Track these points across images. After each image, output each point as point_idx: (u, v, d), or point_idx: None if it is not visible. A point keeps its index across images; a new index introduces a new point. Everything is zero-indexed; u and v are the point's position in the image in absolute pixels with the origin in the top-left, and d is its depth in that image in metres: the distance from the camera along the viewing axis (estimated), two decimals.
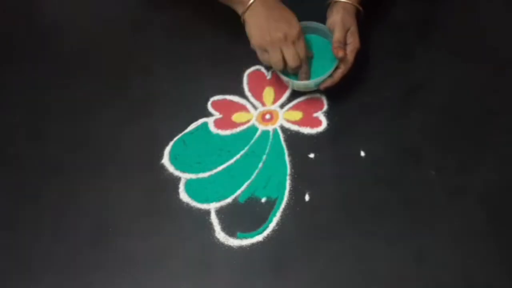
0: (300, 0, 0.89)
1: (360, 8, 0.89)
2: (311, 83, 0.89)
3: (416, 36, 0.99)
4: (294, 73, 0.89)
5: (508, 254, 0.79)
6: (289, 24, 0.83)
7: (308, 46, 0.88)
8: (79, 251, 0.83)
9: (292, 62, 0.85)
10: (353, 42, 0.87)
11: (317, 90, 0.92)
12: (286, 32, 0.82)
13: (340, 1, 0.88)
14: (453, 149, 0.87)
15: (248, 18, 0.85)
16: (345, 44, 0.87)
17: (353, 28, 0.88)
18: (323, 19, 0.91)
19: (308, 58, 0.90)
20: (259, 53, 0.87)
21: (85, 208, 0.87)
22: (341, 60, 0.87)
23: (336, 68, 0.88)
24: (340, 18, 0.87)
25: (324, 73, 0.88)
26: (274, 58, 0.85)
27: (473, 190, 0.83)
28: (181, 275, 0.81)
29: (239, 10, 0.87)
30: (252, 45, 0.86)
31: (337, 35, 0.87)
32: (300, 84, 0.90)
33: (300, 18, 0.87)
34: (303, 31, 0.90)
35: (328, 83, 0.89)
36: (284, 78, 0.90)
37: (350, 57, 0.87)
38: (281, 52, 0.84)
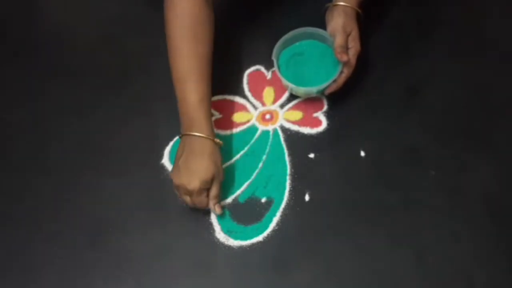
0: (298, 4, 0.89)
1: (360, 11, 0.89)
2: (313, 90, 0.89)
3: (416, 36, 0.99)
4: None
5: (508, 254, 0.79)
6: (188, 178, 0.79)
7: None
8: (79, 250, 0.83)
9: (190, 206, 0.82)
10: (354, 46, 0.87)
11: None
12: (182, 184, 0.79)
13: (340, 5, 0.88)
14: (453, 149, 0.87)
15: (179, 143, 0.83)
16: (346, 48, 0.87)
17: (354, 32, 0.87)
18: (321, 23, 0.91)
19: (311, 64, 0.90)
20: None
21: (85, 207, 0.87)
22: (345, 64, 0.87)
23: (339, 72, 0.88)
24: (341, 23, 0.87)
25: (328, 78, 0.88)
26: (177, 196, 0.83)
27: (473, 190, 0.83)
28: (181, 275, 0.81)
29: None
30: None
31: (339, 40, 0.86)
32: (300, 90, 0.90)
33: (301, 21, 0.87)
34: (301, 37, 0.90)
35: (333, 88, 0.89)
36: (285, 82, 0.90)
37: (353, 60, 0.87)
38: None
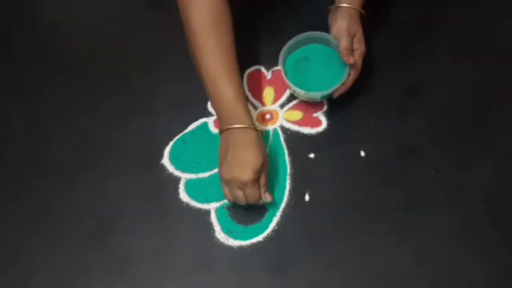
0: (298, 5, 0.88)
1: (364, 12, 0.89)
2: (317, 96, 0.89)
3: (416, 36, 0.99)
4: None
5: (508, 253, 0.79)
6: (240, 171, 0.78)
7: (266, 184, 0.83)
8: (79, 250, 0.83)
9: (242, 201, 0.81)
10: (360, 47, 0.87)
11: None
12: (235, 177, 0.78)
13: (343, 6, 0.88)
14: (453, 149, 0.87)
15: (221, 140, 0.82)
16: (352, 50, 0.87)
17: (359, 34, 0.87)
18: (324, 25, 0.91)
19: (317, 68, 0.91)
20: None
21: (84, 207, 0.87)
22: (351, 66, 0.87)
23: (347, 75, 0.88)
24: (345, 25, 0.86)
25: (335, 81, 0.87)
26: (226, 192, 0.81)
27: (473, 190, 0.83)
28: (181, 275, 0.81)
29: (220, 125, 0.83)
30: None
31: (344, 42, 0.86)
32: (302, 93, 0.89)
33: (301, 21, 0.86)
34: (305, 42, 0.90)
35: (342, 90, 0.89)
36: (291, 86, 0.90)
37: (359, 62, 0.87)
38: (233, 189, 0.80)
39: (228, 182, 0.80)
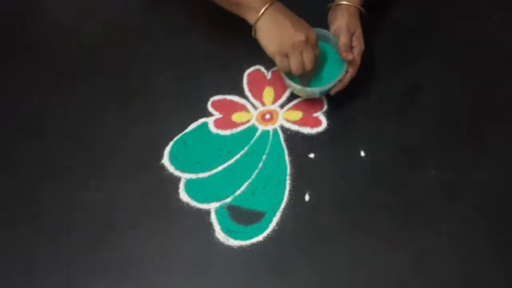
0: (298, 4, 0.88)
1: (363, 10, 0.89)
2: (316, 92, 0.89)
3: (416, 36, 0.99)
4: (298, 76, 0.88)
5: (507, 254, 0.79)
6: (308, 29, 0.83)
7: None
8: (79, 251, 0.83)
9: (309, 65, 0.84)
10: (359, 45, 0.87)
11: None
12: (307, 35, 0.82)
13: (343, 4, 0.88)
14: (453, 149, 0.87)
15: (263, 25, 0.83)
16: (351, 47, 0.87)
17: (358, 32, 0.88)
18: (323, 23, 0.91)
19: (315, 68, 0.90)
20: (278, 60, 0.84)
21: (85, 208, 0.87)
22: (350, 63, 0.87)
23: (345, 72, 0.88)
24: (345, 23, 0.87)
25: (334, 78, 0.88)
26: (296, 62, 0.83)
27: (473, 190, 0.83)
28: (181, 275, 0.81)
29: (251, 19, 0.84)
30: (271, 52, 0.84)
31: (343, 39, 0.86)
32: (300, 90, 0.89)
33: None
34: None
35: (339, 87, 0.89)
36: (288, 82, 0.90)
37: (358, 59, 0.87)
38: (301, 55, 0.84)
39: (298, 45, 0.82)
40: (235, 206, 0.85)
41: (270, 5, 0.82)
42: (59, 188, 0.89)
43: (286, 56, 0.83)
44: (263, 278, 0.79)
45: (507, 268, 0.78)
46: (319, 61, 0.88)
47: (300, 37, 0.81)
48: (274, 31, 0.83)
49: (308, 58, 0.84)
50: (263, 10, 0.82)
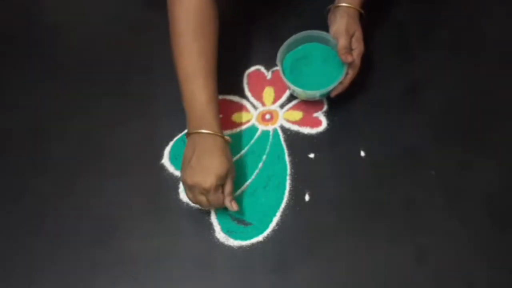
0: (298, 4, 0.88)
1: (363, 12, 0.89)
2: (316, 94, 0.89)
3: (416, 36, 0.99)
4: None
5: (508, 254, 0.78)
6: (203, 176, 0.77)
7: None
8: (79, 250, 0.83)
9: (205, 207, 0.81)
10: (358, 47, 0.87)
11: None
12: (198, 182, 0.77)
13: (343, 6, 0.88)
14: (453, 149, 0.87)
15: (188, 145, 0.80)
16: (350, 49, 0.87)
17: (358, 33, 0.87)
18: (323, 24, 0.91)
19: (315, 67, 0.90)
20: (185, 189, 0.82)
21: (85, 208, 0.87)
22: (350, 65, 0.87)
23: (345, 74, 0.88)
24: (344, 25, 0.86)
25: (333, 81, 0.88)
26: (190, 199, 0.81)
27: (473, 190, 0.83)
28: (181, 275, 0.81)
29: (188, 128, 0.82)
30: (181, 178, 0.81)
31: (343, 41, 0.86)
32: (300, 92, 0.89)
33: (301, 21, 0.86)
34: (304, 41, 0.90)
35: (339, 89, 0.88)
36: (289, 84, 0.90)
37: (357, 61, 0.87)
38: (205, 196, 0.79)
39: (191, 187, 0.79)
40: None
41: (193, 134, 0.79)
42: (59, 187, 0.89)
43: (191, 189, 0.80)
44: (263, 278, 0.79)
45: (507, 268, 0.77)
46: (233, 211, 0.82)
47: (189, 181, 0.78)
48: (184, 158, 0.80)
49: (201, 201, 0.80)
50: (185, 132, 0.81)
